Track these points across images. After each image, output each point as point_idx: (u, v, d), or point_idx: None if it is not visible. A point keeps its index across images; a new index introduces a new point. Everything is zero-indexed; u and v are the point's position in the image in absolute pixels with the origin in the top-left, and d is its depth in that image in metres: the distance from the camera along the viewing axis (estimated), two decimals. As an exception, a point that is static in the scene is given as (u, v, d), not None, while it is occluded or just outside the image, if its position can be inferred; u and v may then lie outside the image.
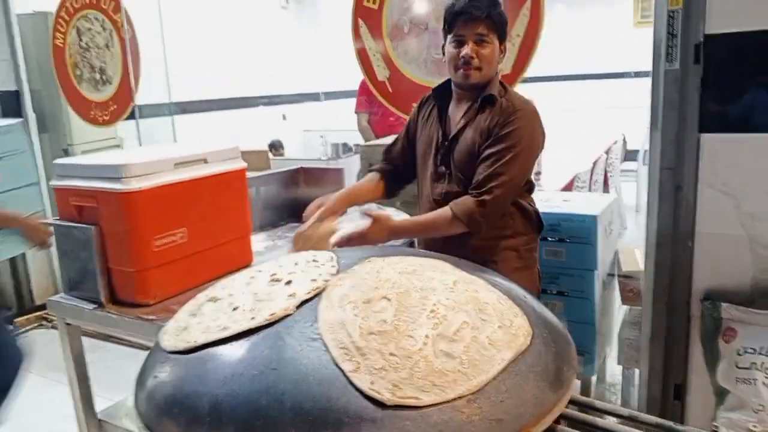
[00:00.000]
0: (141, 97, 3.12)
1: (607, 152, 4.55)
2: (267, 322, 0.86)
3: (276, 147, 5.08)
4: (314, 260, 1.04)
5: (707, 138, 1.66)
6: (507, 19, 1.63)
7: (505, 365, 0.79)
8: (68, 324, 1.52)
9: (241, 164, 1.61)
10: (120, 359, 2.80)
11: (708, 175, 1.68)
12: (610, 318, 2.41)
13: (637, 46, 8.13)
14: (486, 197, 1.50)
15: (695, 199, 1.70)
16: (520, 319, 0.89)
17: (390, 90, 2.34)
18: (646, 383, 1.87)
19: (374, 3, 2.29)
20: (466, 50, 1.53)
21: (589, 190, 3.75)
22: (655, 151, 1.76)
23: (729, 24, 1.59)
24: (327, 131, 4.89)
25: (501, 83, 1.64)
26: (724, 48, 1.60)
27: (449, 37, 1.60)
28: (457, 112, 1.65)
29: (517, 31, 2.06)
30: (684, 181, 1.71)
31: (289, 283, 0.95)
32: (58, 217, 1.49)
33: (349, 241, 1.50)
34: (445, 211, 1.54)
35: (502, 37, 1.60)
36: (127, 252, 1.37)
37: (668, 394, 1.84)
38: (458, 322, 0.83)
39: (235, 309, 0.92)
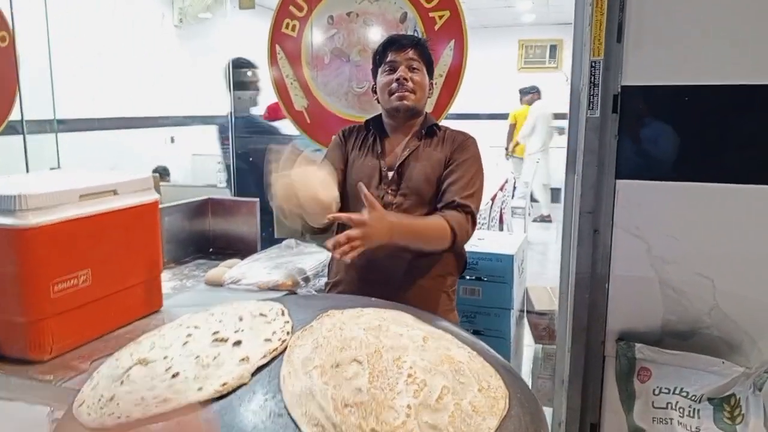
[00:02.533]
0: (18, 113, 2.77)
1: (501, 190, 4.74)
2: (218, 394, 0.74)
3: (161, 174, 4.76)
4: (262, 314, 0.92)
5: (622, 184, 1.74)
6: (432, 58, 1.68)
7: (492, 435, 0.73)
8: (-68, 384, 1.25)
9: (153, 196, 1.44)
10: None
11: (622, 219, 1.74)
12: (519, 355, 2.44)
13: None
14: (471, 213, 1.53)
15: (611, 242, 1.77)
16: (496, 379, 0.84)
17: (308, 120, 2.25)
18: (564, 423, 1.89)
19: (293, 30, 2.21)
20: (400, 73, 1.56)
21: (488, 227, 3.86)
22: (573, 195, 1.80)
23: (643, 77, 1.68)
24: (222, 156, 4.66)
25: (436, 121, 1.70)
26: (638, 100, 1.69)
27: (381, 67, 1.62)
28: (395, 143, 1.65)
29: (440, 71, 2.07)
30: (601, 224, 1.77)
31: (237, 343, 0.83)
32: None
33: (349, 240, 1.33)
34: (438, 220, 1.48)
35: (430, 72, 1.65)
36: (18, 299, 1.15)
37: (584, 433, 1.88)
38: (438, 387, 0.76)
39: (174, 376, 0.79)
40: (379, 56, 1.63)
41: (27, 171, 2.79)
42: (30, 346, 1.18)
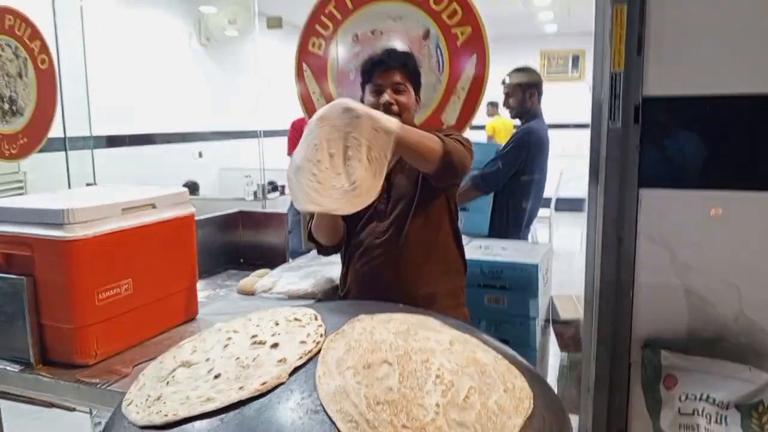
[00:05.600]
0: (56, 131, 2.89)
1: (525, 199, 4.74)
2: (259, 393, 0.79)
3: (191, 188, 4.89)
4: (296, 319, 0.97)
5: (645, 192, 1.76)
6: (420, 72, 1.71)
7: (517, 433, 0.77)
8: (-16, 388, 1.33)
9: (189, 210, 1.51)
10: (24, 417, 2.50)
11: (646, 227, 1.76)
12: (545, 364, 2.45)
13: (543, 99, 8.71)
14: (459, 139, 1.53)
15: (635, 250, 1.78)
16: (521, 381, 0.88)
17: (334, 135, 2.31)
18: (590, 430, 1.90)
19: (319, 48, 2.28)
20: (386, 97, 1.59)
21: (513, 236, 3.87)
22: (595, 204, 1.83)
23: (665, 88, 1.70)
24: (249, 170, 4.77)
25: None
26: (660, 110, 1.72)
27: (368, 87, 1.65)
28: None
29: (462, 84, 2.11)
30: (625, 233, 1.79)
31: (275, 346, 0.88)
32: (-22, 266, 1.32)
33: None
34: (433, 136, 1.47)
35: (417, 88, 1.68)
36: (65, 307, 1.23)
37: (610, 440, 1.88)
38: (465, 387, 0.80)
39: (216, 377, 0.84)
40: (366, 74, 1.66)
41: (69, 187, 2.90)
42: (76, 351, 1.25)
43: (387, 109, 1.57)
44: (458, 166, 1.49)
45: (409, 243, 1.61)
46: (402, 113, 1.59)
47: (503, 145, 3.04)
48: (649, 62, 1.68)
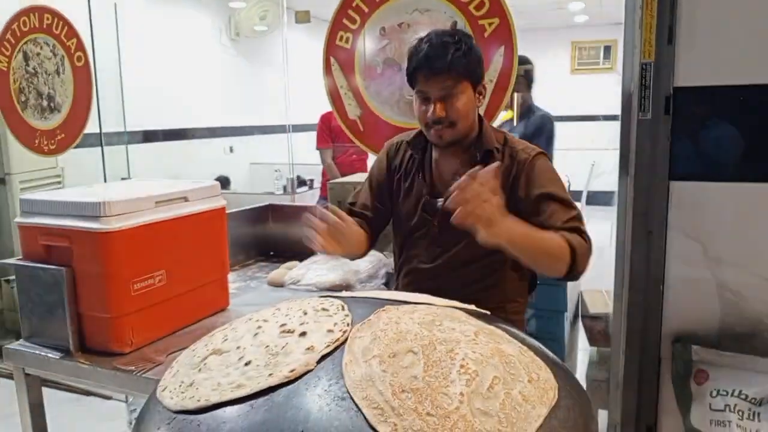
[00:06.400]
0: (92, 127, 2.97)
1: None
2: (287, 380, 0.81)
3: (222, 183, 4.95)
4: (324, 309, 0.99)
5: (676, 185, 1.73)
6: (479, 55, 1.46)
7: (541, 422, 0.77)
8: (27, 374, 1.39)
9: (221, 203, 1.55)
10: (63, 404, 2.59)
11: (677, 220, 1.74)
12: (574, 358, 2.44)
13: (574, 90, 8.58)
14: (585, 233, 1.38)
15: (665, 243, 1.76)
16: (545, 372, 0.88)
17: (362, 129, 2.33)
18: (619, 425, 1.88)
19: (347, 42, 2.30)
20: (432, 111, 1.38)
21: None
22: (626, 196, 1.81)
23: (696, 79, 1.67)
24: (279, 165, 4.83)
25: (497, 130, 1.57)
26: (691, 101, 1.69)
27: (414, 92, 1.44)
28: (445, 164, 1.53)
29: (490, 76, 2.10)
30: (654, 226, 1.77)
31: (303, 334, 0.90)
32: (21, 257, 1.37)
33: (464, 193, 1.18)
34: (556, 236, 1.31)
35: (477, 80, 1.44)
36: (102, 296, 1.28)
37: (639, 435, 1.87)
38: (489, 377, 0.81)
39: (247, 364, 0.86)
40: (411, 79, 1.43)
41: (105, 181, 2.99)
42: (112, 339, 1.30)
43: (436, 122, 1.40)
44: (583, 272, 1.35)
45: (460, 274, 1.48)
46: (457, 122, 1.40)
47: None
48: (680, 52, 1.65)
